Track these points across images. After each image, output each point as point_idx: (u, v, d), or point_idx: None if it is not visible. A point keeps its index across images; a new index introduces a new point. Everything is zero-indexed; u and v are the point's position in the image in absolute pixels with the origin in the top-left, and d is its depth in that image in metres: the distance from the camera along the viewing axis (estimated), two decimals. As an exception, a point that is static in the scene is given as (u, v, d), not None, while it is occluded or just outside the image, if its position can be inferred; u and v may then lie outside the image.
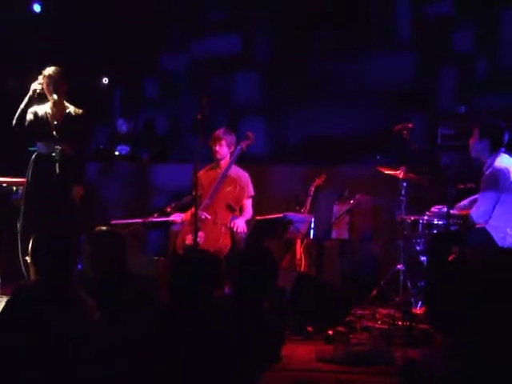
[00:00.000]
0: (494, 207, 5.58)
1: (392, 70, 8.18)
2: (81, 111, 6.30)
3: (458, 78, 8.16)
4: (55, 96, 6.12)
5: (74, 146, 6.18)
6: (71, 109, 6.26)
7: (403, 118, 6.75)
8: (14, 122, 6.17)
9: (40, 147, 6.18)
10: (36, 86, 6.14)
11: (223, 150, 6.69)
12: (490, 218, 5.58)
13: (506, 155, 5.72)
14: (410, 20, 8.36)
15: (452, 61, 8.18)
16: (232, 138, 6.74)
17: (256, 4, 8.67)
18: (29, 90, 6.17)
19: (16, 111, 6.20)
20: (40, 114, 6.19)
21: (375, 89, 8.16)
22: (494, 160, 5.66)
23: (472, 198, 5.90)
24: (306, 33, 8.39)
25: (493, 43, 8.02)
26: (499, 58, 8.01)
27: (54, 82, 6.14)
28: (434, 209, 5.91)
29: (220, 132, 6.70)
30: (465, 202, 5.98)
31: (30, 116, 6.18)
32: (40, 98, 6.24)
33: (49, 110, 6.19)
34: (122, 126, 8.96)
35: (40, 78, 6.17)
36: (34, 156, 6.20)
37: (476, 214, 5.64)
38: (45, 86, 6.17)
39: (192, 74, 9.01)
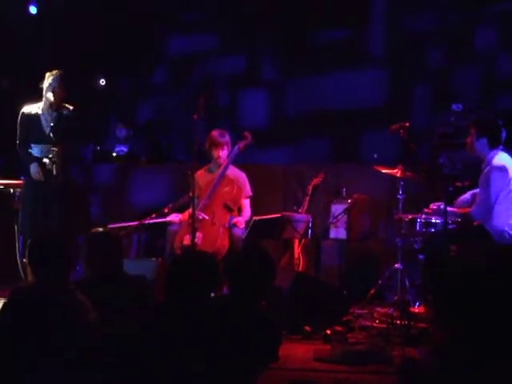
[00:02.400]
0: (493, 205, 5.58)
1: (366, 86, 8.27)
2: (71, 109, 6.22)
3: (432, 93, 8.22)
4: (51, 97, 6.06)
5: (69, 146, 6.12)
6: (64, 109, 6.20)
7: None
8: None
9: (35, 150, 6.11)
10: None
11: (224, 154, 6.71)
12: (489, 216, 5.58)
13: (504, 153, 5.72)
14: (384, 36, 8.43)
15: (427, 76, 8.22)
16: (228, 138, 6.76)
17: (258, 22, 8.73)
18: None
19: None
20: (32, 117, 6.12)
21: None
22: (492, 158, 5.66)
23: (473, 191, 5.89)
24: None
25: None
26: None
27: (53, 83, 6.08)
28: (433, 206, 5.90)
29: (219, 136, 6.69)
30: (467, 196, 5.98)
31: (22, 123, 6.13)
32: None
33: (40, 111, 6.14)
34: (122, 130, 8.94)
35: (48, 74, 6.13)
36: (31, 157, 6.14)
37: (476, 212, 5.64)
38: (46, 85, 6.10)
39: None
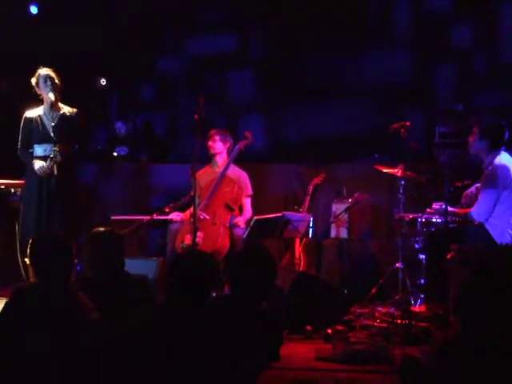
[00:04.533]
0: (494, 205, 5.58)
1: (389, 67, 8.25)
2: (75, 110, 6.20)
3: (456, 75, 8.21)
4: (52, 96, 6.05)
5: (70, 146, 6.11)
6: (65, 109, 6.17)
7: (400, 116, 6.75)
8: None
9: (37, 149, 6.09)
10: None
11: (217, 145, 6.77)
12: (490, 216, 5.58)
13: (506, 153, 5.72)
14: (407, 16, 8.41)
15: (450, 57, 8.22)
16: (226, 134, 6.84)
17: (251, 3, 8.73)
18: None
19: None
20: (34, 119, 6.10)
21: (372, 86, 8.21)
22: (494, 158, 5.66)
23: (478, 184, 5.89)
24: (302, 31, 8.45)
25: (492, 39, 8.07)
26: (498, 54, 8.07)
27: (52, 82, 6.07)
28: (436, 205, 5.90)
29: (214, 130, 6.79)
30: (473, 189, 5.98)
31: (25, 127, 6.12)
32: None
33: (42, 112, 6.13)
34: (121, 128, 8.96)
35: (34, 79, 6.10)
36: (33, 157, 6.13)
37: (476, 212, 5.63)
38: (41, 86, 6.07)
39: (188, 74, 9.05)
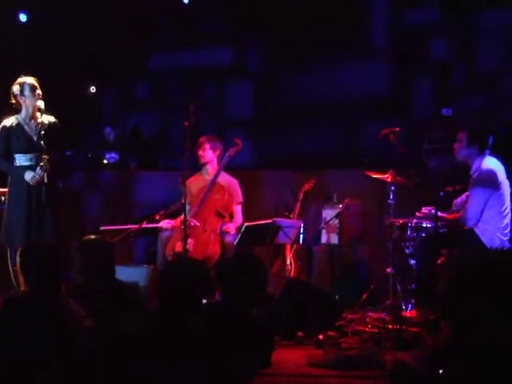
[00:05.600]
0: (482, 210, 5.60)
1: (369, 79, 8.33)
2: (53, 119, 6.05)
3: (435, 85, 8.30)
4: (41, 104, 5.98)
5: (57, 153, 6.04)
6: (44, 117, 6.00)
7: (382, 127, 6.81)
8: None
9: (21, 158, 5.95)
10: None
11: (207, 154, 6.76)
12: (479, 220, 5.60)
13: (492, 157, 5.75)
14: (386, 28, 8.50)
15: (429, 68, 8.30)
16: (215, 142, 6.82)
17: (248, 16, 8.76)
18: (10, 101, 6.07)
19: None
20: (14, 128, 5.96)
21: (353, 97, 8.29)
22: (480, 163, 5.68)
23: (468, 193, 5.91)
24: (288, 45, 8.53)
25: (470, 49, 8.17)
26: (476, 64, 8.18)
27: (37, 91, 6.00)
28: (425, 209, 5.92)
29: (203, 137, 6.78)
30: (463, 198, 6.00)
31: (3, 136, 5.98)
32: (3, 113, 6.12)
33: (21, 121, 5.98)
34: (110, 134, 8.96)
35: (17, 87, 5.97)
36: (15, 167, 5.97)
37: (465, 217, 5.65)
38: (27, 94, 5.92)
39: (182, 82, 9.07)
